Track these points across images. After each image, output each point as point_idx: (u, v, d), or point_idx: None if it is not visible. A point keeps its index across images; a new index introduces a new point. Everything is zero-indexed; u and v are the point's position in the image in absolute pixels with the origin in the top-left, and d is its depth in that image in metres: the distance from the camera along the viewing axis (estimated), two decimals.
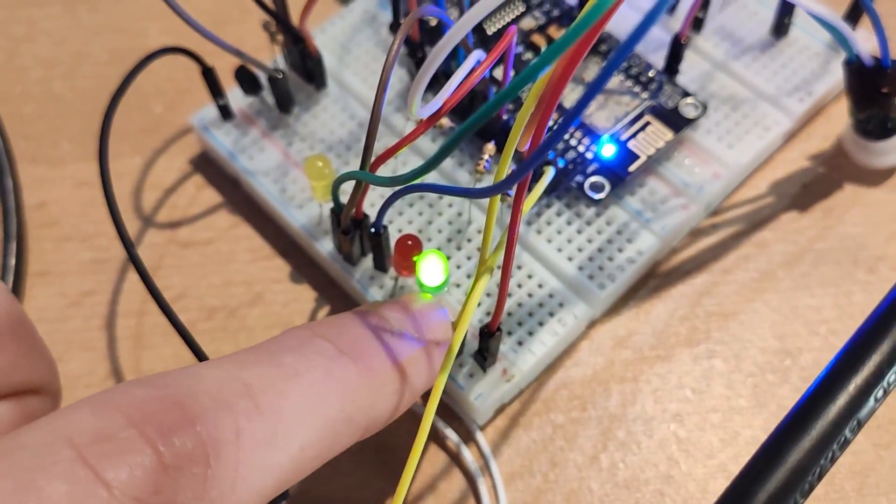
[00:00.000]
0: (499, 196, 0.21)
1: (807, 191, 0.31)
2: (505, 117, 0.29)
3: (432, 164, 0.19)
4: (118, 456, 0.14)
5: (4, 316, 0.19)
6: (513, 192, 0.19)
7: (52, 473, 0.14)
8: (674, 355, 0.29)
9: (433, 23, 0.32)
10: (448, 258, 0.28)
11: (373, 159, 0.22)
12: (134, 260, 0.24)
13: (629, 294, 0.30)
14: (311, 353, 0.19)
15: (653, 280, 0.30)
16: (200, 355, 0.23)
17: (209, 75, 0.29)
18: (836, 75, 0.32)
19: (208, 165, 0.33)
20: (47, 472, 0.14)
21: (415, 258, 0.26)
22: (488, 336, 0.25)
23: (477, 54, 0.24)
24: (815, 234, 0.31)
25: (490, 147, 0.27)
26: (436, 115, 0.21)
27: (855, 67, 0.27)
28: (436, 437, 0.28)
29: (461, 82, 0.22)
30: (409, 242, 0.26)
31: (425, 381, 0.22)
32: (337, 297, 0.30)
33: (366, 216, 0.27)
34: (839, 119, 0.33)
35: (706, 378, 0.28)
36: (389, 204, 0.24)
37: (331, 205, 0.27)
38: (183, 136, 0.34)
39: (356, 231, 0.27)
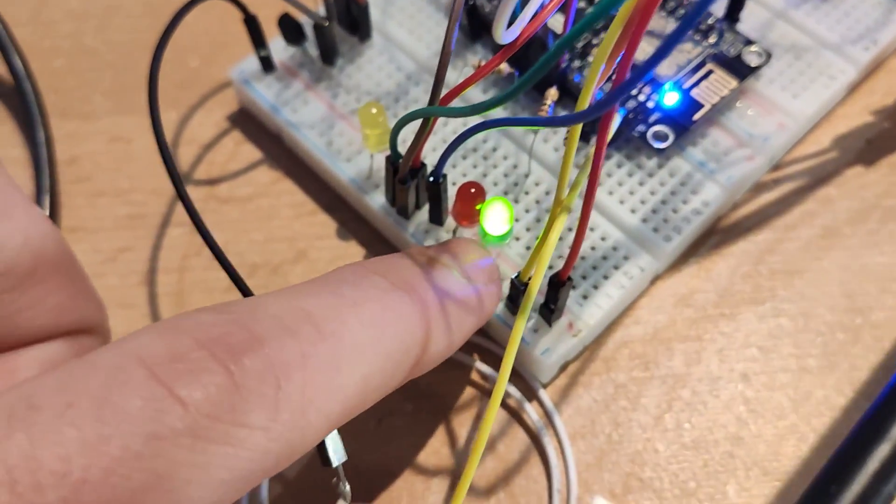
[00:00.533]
0: (578, 130, 0.20)
1: (871, 147, 0.30)
2: (563, 65, 0.28)
3: (516, 90, 0.17)
4: (191, 375, 0.14)
5: (58, 255, 0.19)
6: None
7: (126, 390, 0.14)
8: (738, 314, 0.28)
9: None
10: None
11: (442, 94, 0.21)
12: (185, 201, 0.22)
13: (689, 251, 0.29)
14: (368, 285, 0.19)
15: (714, 237, 0.29)
16: None
17: (252, 24, 0.28)
18: None
19: (247, 121, 0.32)
20: (122, 389, 0.14)
21: (479, 206, 0.25)
22: (558, 285, 0.24)
23: None
24: (883, 190, 0.29)
25: (553, 92, 0.26)
26: (517, 41, 0.20)
27: None
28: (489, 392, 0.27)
29: (540, 9, 0.20)
30: (473, 190, 0.25)
31: (476, 320, 0.22)
32: (385, 252, 0.29)
33: (423, 165, 0.25)
34: None
35: (773, 337, 0.27)
36: (455, 146, 0.23)
37: (383, 155, 0.25)
38: (220, 91, 0.32)
39: (413, 181, 0.26)
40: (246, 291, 0.22)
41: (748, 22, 0.31)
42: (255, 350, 0.15)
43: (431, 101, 0.21)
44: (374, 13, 0.32)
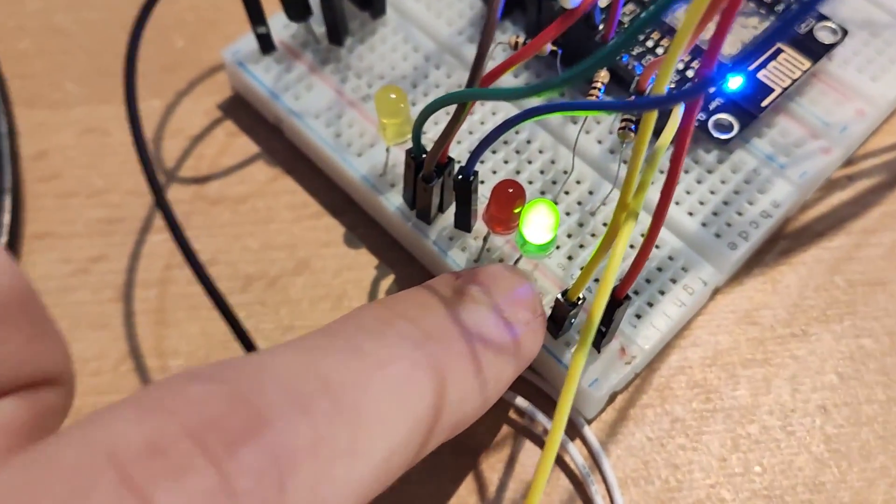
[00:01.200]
0: (653, 119, 0.16)
1: None
2: (612, 39, 0.24)
3: (576, 74, 0.14)
4: (172, 476, 0.11)
5: (10, 293, 0.15)
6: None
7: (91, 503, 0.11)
8: (812, 333, 0.24)
9: None
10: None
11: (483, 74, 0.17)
12: (162, 205, 0.19)
13: (753, 259, 0.25)
14: (395, 337, 0.16)
15: (781, 242, 0.25)
16: (240, 334, 0.18)
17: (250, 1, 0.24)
18: None
19: (242, 109, 0.28)
20: (86, 501, 0.11)
21: (517, 209, 0.21)
22: (613, 305, 0.20)
23: None
24: None
25: (603, 73, 0.22)
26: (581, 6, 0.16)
27: None
28: (531, 432, 0.23)
29: None
30: (511, 190, 0.21)
31: (514, 369, 0.18)
32: (402, 263, 0.25)
33: (450, 160, 0.22)
34: None
35: (854, 361, 0.24)
36: (495, 137, 0.19)
37: (401, 148, 0.22)
38: (210, 75, 0.29)
39: (439, 179, 0.22)
40: (229, 316, 0.18)
41: None
42: (256, 437, 0.12)
43: (471, 82, 0.17)
44: None
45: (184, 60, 0.29)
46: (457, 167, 0.22)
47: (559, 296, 0.20)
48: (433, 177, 0.21)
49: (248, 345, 0.20)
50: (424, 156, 0.21)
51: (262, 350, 0.15)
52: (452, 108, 0.19)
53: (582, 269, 0.19)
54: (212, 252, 0.25)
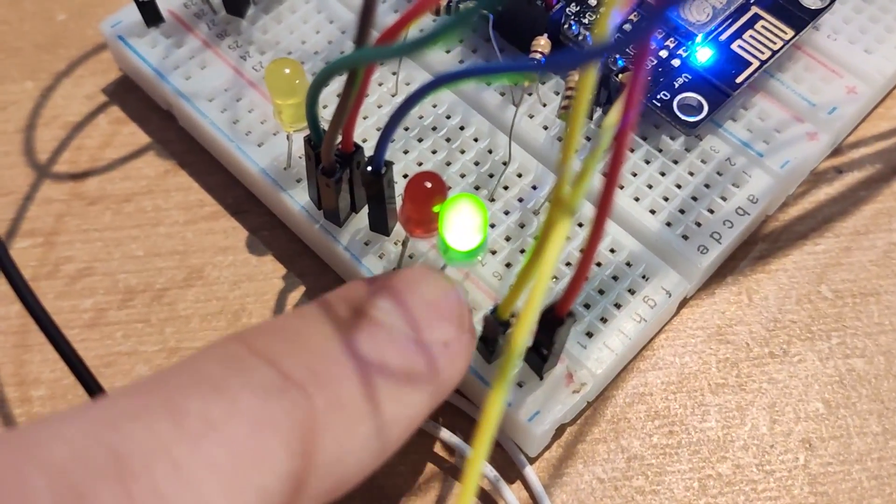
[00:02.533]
0: (588, 87, 0.13)
1: None
2: (556, 7, 0.21)
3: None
4: None
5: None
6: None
7: None
8: (794, 353, 0.21)
9: None
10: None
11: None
12: None
13: (725, 265, 0.22)
14: (239, 386, 0.12)
15: (758, 246, 0.22)
16: (80, 374, 0.14)
17: None
18: None
19: (130, 92, 0.24)
20: None
21: (437, 207, 0.17)
22: (554, 324, 0.16)
23: None
24: None
25: (543, 41, 0.18)
26: None
27: None
28: (457, 472, 0.19)
29: None
30: (429, 184, 0.17)
31: (428, 398, 0.15)
32: (313, 271, 0.22)
33: (357, 149, 0.18)
34: None
35: (844, 386, 0.20)
36: (401, 116, 0.15)
37: (303, 134, 0.18)
38: (95, 52, 0.25)
39: (344, 170, 0.18)
40: (66, 352, 0.14)
41: None
42: None
43: (359, 40, 0.14)
44: None
45: (64, 36, 0.25)
46: (367, 157, 0.18)
47: (489, 312, 0.17)
48: (336, 169, 0.18)
49: (90, 387, 0.17)
50: None
51: (50, 416, 0.11)
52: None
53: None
54: (87, 260, 0.22)
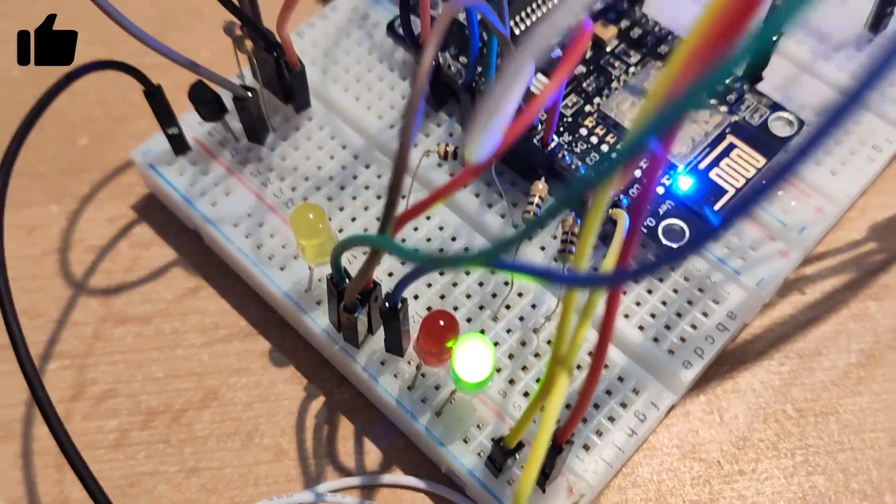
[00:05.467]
0: (573, 300, 0.15)
1: None
2: (552, 144, 0.23)
3: (509, 244, 0.13)
4: None
5: None
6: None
7: None
8: (762, 470, 0.23)
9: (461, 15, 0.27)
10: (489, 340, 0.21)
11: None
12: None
13: (699, 382, 0.24)
14: None
15: (724, 364, 0.24)
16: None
17: (156, 97, 0.23)
18: None
19: (156, 210, 0.27)
20: None
21: (449, 343, 0.20)
22: (556, 451, 0.19)
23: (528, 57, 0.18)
24: None
25: (541, 186, 0.21)
26: (493, 158, 0.15)
27: None
28: None
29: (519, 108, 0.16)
30: (442, 322, 0.20)
31: None
32: (328, 386, 0.24)
33: (376, 285, 0.21)
34: None
35: (806, 502, 0.22)
36: (415, 276, 0.18)
37: (324, 269, 0.21)
38: (118, 174, 0.27)
39: (364, 306, 0.21)
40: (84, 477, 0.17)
41: (770, 79, 0.26)
42: None
43: (383, 227, 0.16)
44: (313, 75, 0.27)
45: (88, 161, 0.27)
46: (384, 293, 0.20)
47: (495, 440, 0.19)
48: (357, 306, 0.20)
49: None
50: (347, 283, 0.20)
51: None
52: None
53: (520, 415, 0.18)
54: (111, 382, 0.24)
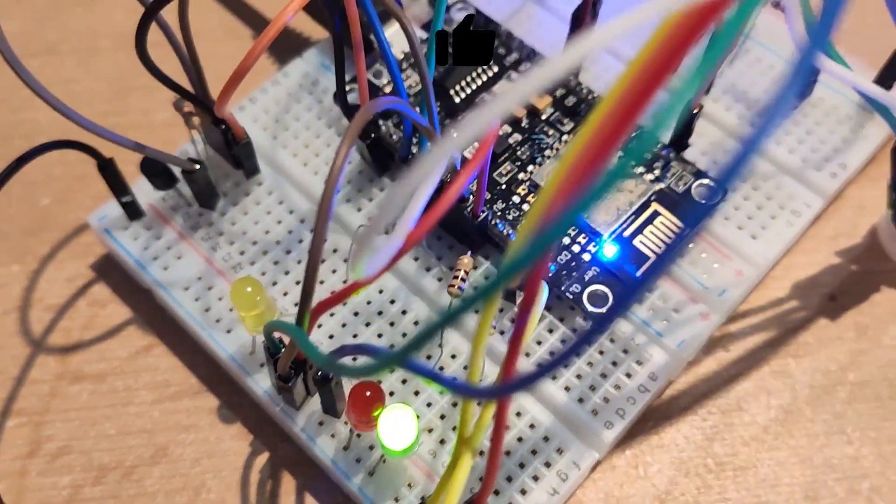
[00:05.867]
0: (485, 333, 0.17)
1: (836, 305, 0.27)
2: (484, 213, 0.25)
3: (414, 346, 0.14)
4: None
5: None
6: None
7: None
8: None
9: (388, 88, 0.28)
10: (416, 405, 0.23)
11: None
12: None
13: (624, 438, 0.25)
14: None
15: (650, 420, 0.25)
16: None
17: (108, 170, 0.25)
18: (873, 142, 0.28)
19: (112, 272, 0.28)
20: None
21: (375, 413, 0.21)
22: None
23: (450, 147, 0.20)
24: (849, 361, 0.26)
25: (466, 261, 0.22)
26: (392, 262, 0.16)
27: None
28: None
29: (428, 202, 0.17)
30: (368, 393, 0.21)
31: None
32: (273, 441, 0.25)
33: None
34: (873, 208, 0.29)
35: None
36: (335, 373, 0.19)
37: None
38: (78, 234, 0.29)
39: (297, 377, 0.22)
40: None
41: (696, 144, 0.28)
42: None
43: (299, 318, 0.18)
44: (263, 141, 0.28)
45: (49, 221, 0.29)
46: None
47: (423, 500, 0.21)
48: (290, 376, 0.22)
49: None
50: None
51: None
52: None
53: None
54: (66, 439, 0.25)
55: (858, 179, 0.29)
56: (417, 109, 0.21)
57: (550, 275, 0.25)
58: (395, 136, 0.27)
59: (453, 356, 0.25)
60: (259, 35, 0.20)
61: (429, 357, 0.25)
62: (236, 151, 0.26)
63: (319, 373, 0.22)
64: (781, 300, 0.28)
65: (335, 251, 0.26)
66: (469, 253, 0.23)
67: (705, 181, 0.26)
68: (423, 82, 0.21)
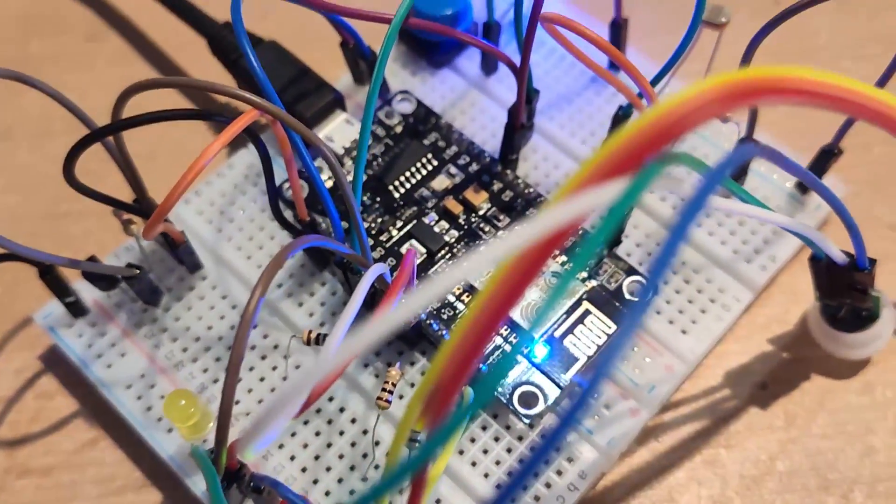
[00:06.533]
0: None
1: (767, 393, 0.28)
2: (422, 315, 0.25)
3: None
4: None
5: None
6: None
7: None
8: None
9: (329, 183, 0.29)
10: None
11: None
12: None
13: None
14: None
15: None
16: None
17: (49, 276, 0.25)
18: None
19: (60, 363, 0.28)
20: None
21: None
22: None
23: (376, 270, 0.21)
24: (778, 450, 0.27)
25: (394, 373, 0.23)
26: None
27: (825, 264, 0.24)
28: None
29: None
30: None
31: None
32: None
33: (241, 465, 0.23)
34: (804, 294, 0.29)
35: None
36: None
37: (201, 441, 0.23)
38: (26, 325, 0.29)
39: (231, 486, 0.23)
40: None
41: (633, 237, 0.28)
42: None
43: (216, 457, 0.18)
44: (207, 233, 0.29)
45: None
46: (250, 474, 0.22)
47: None
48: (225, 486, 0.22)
49: None
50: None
51: None
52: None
53: None
54: None
55: (791, 265, 0.30)
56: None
57: (480, 374, 0.25)
58: (323, 225, 0.27)
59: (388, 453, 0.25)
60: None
61: (364, 456, 0.25)
62: (176, 254, 0.26)
63: (251, 483, 0.22)
64: (714, 388, 0.28)
65: (276, 347, 0.27)
66: (398, 364, 0.24)
67: (638, 278, 0.27)
68: (350, 213, 0.22)
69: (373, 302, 0.25)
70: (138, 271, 0.26)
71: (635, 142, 0.13)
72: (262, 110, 0.20)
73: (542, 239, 0.12)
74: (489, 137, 0.31)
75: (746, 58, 0.24)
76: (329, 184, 0.28)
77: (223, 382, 0.18)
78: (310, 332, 0.24)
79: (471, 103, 0.32)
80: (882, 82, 0.24)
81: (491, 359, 0.26)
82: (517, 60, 0.26)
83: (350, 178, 0.28)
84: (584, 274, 0.27)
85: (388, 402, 0.23)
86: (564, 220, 0.12)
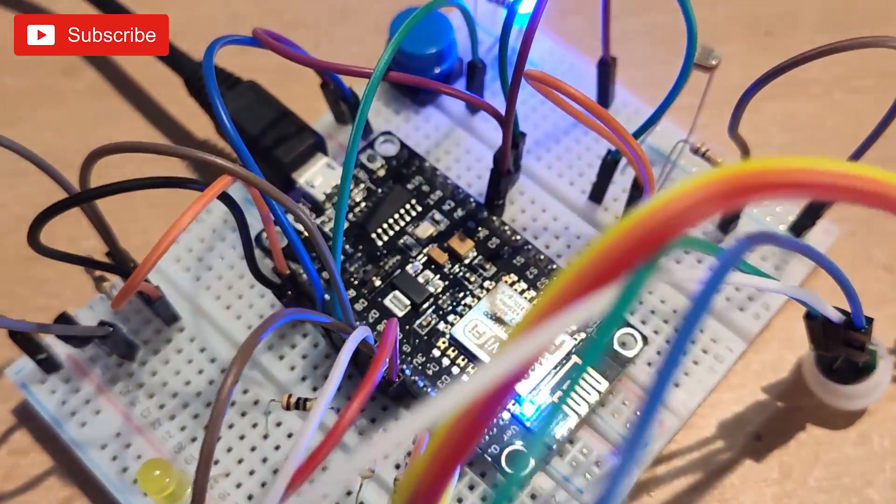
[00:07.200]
0: None
1: (762, 444, 0.27)
2: (399, 377, 0.25)
3: None
4: None
5: None
6: None
7: None
8: None
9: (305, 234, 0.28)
10: None
11: None
12: None
13: None
14: None
15: None
16: None
17: (19, 336, 0.24)
18: (796, 279, 0.28)
19: (34, 417, 0.28)
20: None
21: None
22: None
23: (358, 336, 0.20)
24: None
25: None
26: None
27: (820, 321, 0.24)
28: None
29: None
30: None
31: None
32: None
33: None
34: (799, 340, 0.29)
35: None
36: None
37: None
38: None
39: None
40: None
41: None
42: None
43: None
44: (185, 282, 0.28)
45: None
46: None
47: None
48: None
49: None
50: None
51: None
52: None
53: None
54: None
55: (785, 310, 0.29)
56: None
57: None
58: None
59: None
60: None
61: None
62: (153, 308, 0.26)
63: None
64: (707, 440, 0.28)
65: (256, 403, 0.26)
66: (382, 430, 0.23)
67: (628, 330, 0.26)
68: (332, 280, 0.21)
69: (356, 361, 0.24)
70: (111, 329, 0.25)
71: (620, 249, 0.12)
72: (236, 176, 0.19)
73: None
74: (474, 179, 0.30)
75: (736, 114, 0.23)
76: None
77: (201, 444, 0.17)
78: (289, 396, 0.23)
79: (455, 143, 0.31)
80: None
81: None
82: (503, 100, 0.25)
83: (331, 225, 0.28)
84: (571, 328, 0.26)
85: (373, 470, 0.22)
86: (540, 343, 0.11)
